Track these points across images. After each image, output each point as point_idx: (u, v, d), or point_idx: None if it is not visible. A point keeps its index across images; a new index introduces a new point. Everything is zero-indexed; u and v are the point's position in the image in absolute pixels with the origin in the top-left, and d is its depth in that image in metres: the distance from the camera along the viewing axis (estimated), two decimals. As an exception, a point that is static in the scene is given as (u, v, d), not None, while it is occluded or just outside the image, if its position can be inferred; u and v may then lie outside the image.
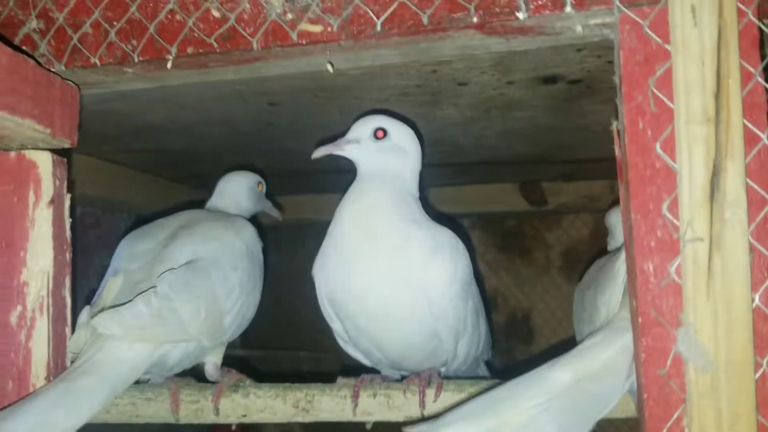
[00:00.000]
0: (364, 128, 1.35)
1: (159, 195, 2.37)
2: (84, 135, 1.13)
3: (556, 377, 0.98)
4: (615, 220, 1.63)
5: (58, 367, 0.97)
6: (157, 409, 1.23)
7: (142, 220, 1.54)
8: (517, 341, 2.98)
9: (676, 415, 0.84)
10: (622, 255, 1.10)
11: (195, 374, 1.39)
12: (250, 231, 1.50)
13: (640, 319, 0.89)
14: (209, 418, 1.23)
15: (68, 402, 0.99)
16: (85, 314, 1.16)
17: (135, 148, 2.01)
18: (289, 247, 2.81)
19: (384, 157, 1.34)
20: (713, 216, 0.86)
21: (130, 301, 1.17)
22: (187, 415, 1.23)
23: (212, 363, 1.37)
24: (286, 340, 2.98)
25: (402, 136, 1.36)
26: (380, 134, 1.34)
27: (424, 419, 1.20)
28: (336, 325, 1.38)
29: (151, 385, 1.30)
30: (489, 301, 2.85)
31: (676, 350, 0.86)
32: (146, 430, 1.36)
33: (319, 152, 1.34)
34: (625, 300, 1.10)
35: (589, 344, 1.02)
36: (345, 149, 1.34)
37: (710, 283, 0.86)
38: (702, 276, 0.86)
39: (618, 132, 1.00)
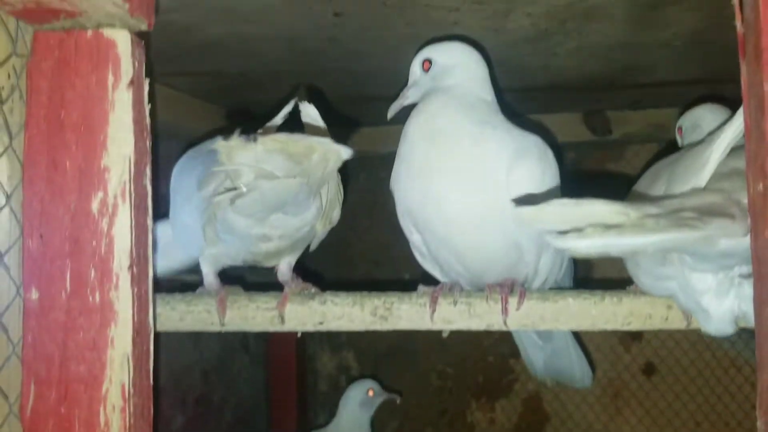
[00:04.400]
0: (415, 68, 1.38)
1: (214, 122, 2.33)
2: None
3: None
4: (703, 114, 1.47)
5: (140, 257, 0.93)
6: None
7: (191, 146, 1.51)
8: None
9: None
10: (711, 147, 1.00)
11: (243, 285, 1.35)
12: None
13: None
14: (273, 326, 1.20)
15: None
16: None
17: (192, 71, 1.96)
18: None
19: (438, 82, 1.34)
20: None
21: None
22: (257, 320, 1.20)
23: (288, 263, 1.35)
24: (340, 273, 2.96)
25: (447, 54, 1.36)
26: (426, 65, 1.36)
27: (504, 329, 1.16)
28: (415, 238, 1.36)
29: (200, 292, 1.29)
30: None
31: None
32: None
33: (391, 110, 1.39)
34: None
35: None
36: (408, 96, 1.38)
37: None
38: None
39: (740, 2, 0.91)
